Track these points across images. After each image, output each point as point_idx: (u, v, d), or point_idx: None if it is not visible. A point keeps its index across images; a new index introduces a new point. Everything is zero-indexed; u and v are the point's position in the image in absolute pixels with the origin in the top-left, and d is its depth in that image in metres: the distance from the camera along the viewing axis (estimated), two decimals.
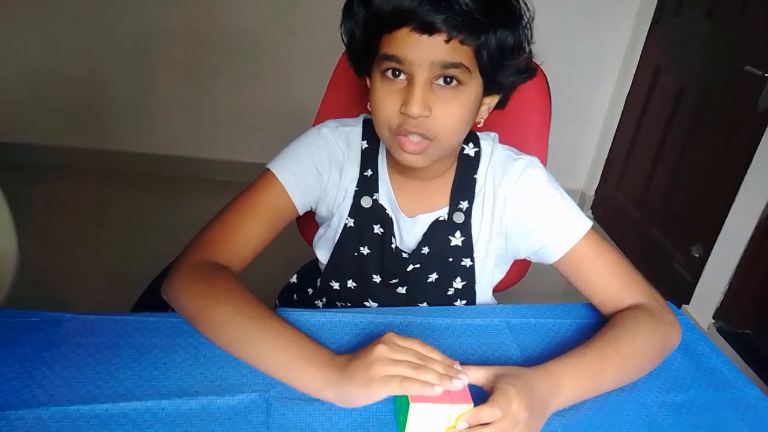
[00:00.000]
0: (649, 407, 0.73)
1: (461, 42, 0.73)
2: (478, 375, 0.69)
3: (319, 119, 1.15)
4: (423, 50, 0.72)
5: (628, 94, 2.64)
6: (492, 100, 0.84)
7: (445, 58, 0.73)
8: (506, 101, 0.86)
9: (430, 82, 0.75)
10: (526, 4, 0.77)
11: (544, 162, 0.98)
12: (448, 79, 0.75)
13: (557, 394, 0.69)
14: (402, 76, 0.76)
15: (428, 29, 0.71)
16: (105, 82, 2.65)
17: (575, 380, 0.71)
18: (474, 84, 0.77)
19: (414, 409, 0.62)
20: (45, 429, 0.61)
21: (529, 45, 0.79)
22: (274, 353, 0.70)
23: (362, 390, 0.64)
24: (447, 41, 0.72)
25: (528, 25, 0.78)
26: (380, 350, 0.65)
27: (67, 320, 0.76)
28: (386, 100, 0.77)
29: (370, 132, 0.92)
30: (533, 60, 0.82)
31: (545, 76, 1.10)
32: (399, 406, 0.66)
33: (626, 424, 0.70)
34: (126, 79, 2.66)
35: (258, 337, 0.71)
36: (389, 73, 0.76)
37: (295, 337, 0.71)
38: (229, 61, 2.62)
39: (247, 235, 0.85)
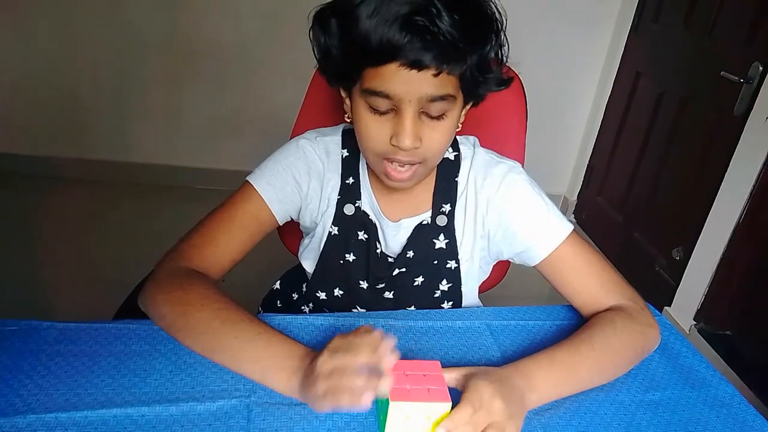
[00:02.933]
0: (627, 406, 0.74)
1: (448, 73, 0.73)
2: (451, 377, 0.69)
3: (298, 127, 1.16)
4: (412, 86, 0.72)
5: (609, 99, 2.67)
6: (468, 105, 0.85)
7: (434, 92, 0.73)
8: (481, 101, 0.86)
9: (419, 113, 0.75)
10: (498, 11, 0.76)
11: (522, 165, 0.99)
12: (436, 112, 0.75)
13: (531, 388, 0.70)
14: (388, 107, 0.75)
15: (417, 65, 0.70)
16: (87, 91, 2.64)
17: (548, 375, 0.72)
18: (458, 105, 0.78)
19: (393, 407, 0.62)
20: None
21: (504, 52, 0.79)
22: (247, 360, 0.71)
23: (316, 406, 0.65)
24: (436, 75, 0.72)
25: (502, 33, 0.78)
26: (320, 363, 0.64)
27: (46, 328, 0.75)
28: (375, 131, 0.77)
29: (349, 141, 0.92)
30: (507, 65, 0.82)
31: (520, 80, 1.12)
32: (379, 406, 0.66)
33: (604, 423, 0.71)
34: (107, 89, 2.65)
35: (232, 344, 0.72)
36: (376, 106, 0.75)
37: (267, 342, 0.71)
38: (211, 70, 2.63)
39: (224, 244, 0.86)
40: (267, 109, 2.66)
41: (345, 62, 0.76)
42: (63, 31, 2.51)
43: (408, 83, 0.71)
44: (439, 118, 0.76)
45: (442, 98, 0.74)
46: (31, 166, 2.71)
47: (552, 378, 0.72)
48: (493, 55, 0.77)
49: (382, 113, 0.76)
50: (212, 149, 2.80)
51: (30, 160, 2.72)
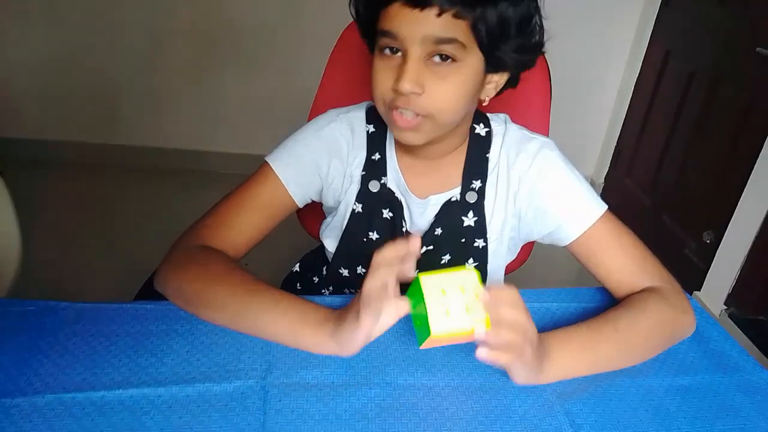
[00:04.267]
0: (654, 391, 0.72)
1: (455, 16, 0.70)
2: None
3: (315, 108, 1.14)
4: (415, 25, 0.71)
5: (638, 78, 2.60)
6: (500, 78, 0.81)
7: (438, 33, 0.71)
8: (517, 80, 0.83)
9: (425, 59, 0.73)
10: None
11: None
12: (443, 56, 0.73)
13: (549, 358, 0.69)
14: (399, 53, 0.74)
15: (419, 3, 0.69)
16: (113, 77, 2.66)
17: (566, 349, 0.71)
18: (472, 60, 0.75)
19: (425, 281, 0.62)
20: (41, 416, 0.61)
21: (539, 20, 0.76)
22: (275, 319, 0.73)
23: (354, 326, 0.66)
24: (438, 15, 0.70)
25: (534, 2, 0.75)
26: (363, 288, 0.65)
27: (64, 309, 0.75)
28: (381, 75, 0.76)
29: (375, 116, 0.90)
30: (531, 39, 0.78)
31: (545, 58, 1.08)
32: (414, 305, 0.65)
33: (630, 409, 0.69)
34: (134, 74, 2.65)
35: (258, 308, 0.74)
36: (386, 50, 0.75)
37: (292, 302, 0.74)
38: (237, 54, 2.62)
39: (241, 226, 0.85)
40: (295, 92, 2.58)
41: (365, 11, 0.78)
42: (94, 19, 2.52)
43: (410, 22, 0.71)
44: (447, 66, 0.73)
45: (449, 41, 0.72)
46: (61, 152, 2.74)
47: (569, 352, 0.71)
48: (517, 16, 0.73)
49: (391, 56, 0.75)
50: (240, 133, 2.80)
51: (63, 146, 2.75)
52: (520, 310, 0.64)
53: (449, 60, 0.73)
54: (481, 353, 0.62)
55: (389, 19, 0.73)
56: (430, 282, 0.63)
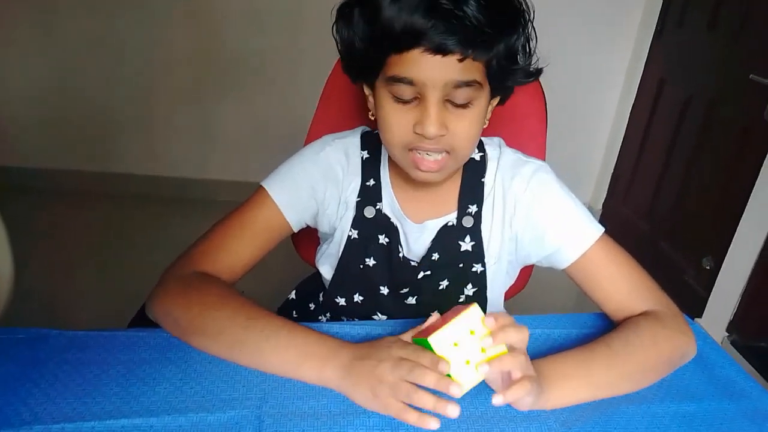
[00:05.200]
0: (660, 418, 0.70)
1: (473, 59, 0.71)
2: None
3: (312, 134, 1.14)
4: (436, 71, 0.70)
5: (633, 105, 2.62)
6: (495, 100, 0.83)
7: (459, 78, 0.71)
8: (507, 97, 0.84)
9: (443, 101, 0.73)
10: (525, 3, 0.75)
11: None
12: (462, 99, 0.73)
13: (547, 380, 0.68)
14: (412, 95, 0.73)
15: (442, 50, 0.69)
16: (108, 105, 2.67)
17: (561, 371, 0.70)
18: (485, 94, 0.76)
19: (435, 343, 0.62)
20: None
21: (533, 44, 0.77)
22: (277, 352, 0.71)
23: (364, 402, 0.66)
24: (461, 60, 0.70)
25: (530, 23, 0.76)
26: (384, 367, 0.64)
27: (55, 336, 0.74)
28: (398, 120, 0.75)
29: (369, 142, 0.90)
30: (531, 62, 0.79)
31: (540, 83, 1.08)
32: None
33: None
34: (129, 102, 2.67)
35: (258, 337, 0.71)
36: (400, 94, 0.73)
37: (295, 332, 0.72)
38: (233, 82, 2.63)
39: (236, 250, 0.84)
40: (291, 120, 2.64)
41: (369, 51, 0.74)
42: (90, 46, 2.54)
43: (432, 69, 0.70)
44: (465, 106, 0.74)
45: (468, 84, 0.72)
46: (55, 180, 2.74)
47: (563, 374, 0.70)
48: (519, 46, 0.75)
49: (405, 102, 0.74)
50: (236, 161, 2.80)
51: (54, 173, 2.75)
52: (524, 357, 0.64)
53: (468, 103, 0.74)
54: (497, 400, 0.61)
55: (406, 66, 0.71)
56: (440, 339, 0.62)
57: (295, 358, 0.70)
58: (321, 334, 0.72)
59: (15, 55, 2.55)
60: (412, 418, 0.61)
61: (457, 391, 0.60)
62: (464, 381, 0.61)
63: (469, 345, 0.62)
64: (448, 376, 0.61)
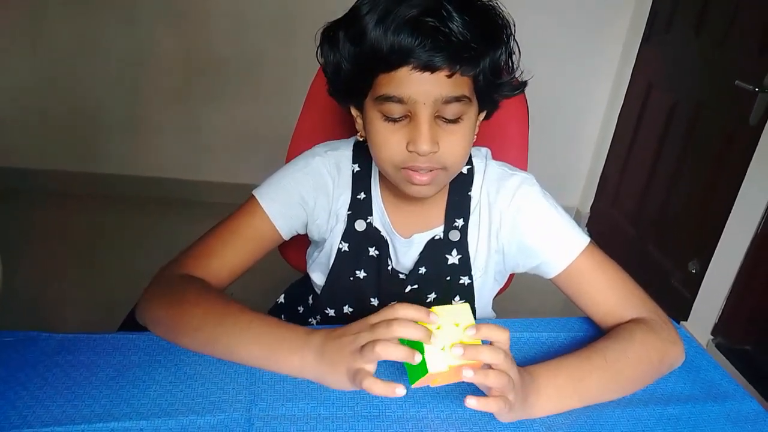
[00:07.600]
0: (645, 421, 0.71)
1: (461, 74, 0.71)
2: None
3: (295, 141, 1.14)
4: (426, 88, 0.70)
5: (621, 110, 2.64)
6: (482, 114, 0.83)
7: (449, 93, 0.71)
8: (493, 112, 0.85)
9: (434, 117, 0.74)
10: (506, 18, 0.75)
11: None
12: (452, 115, 0.74)
13: (537, 393, 0.68)
14: (402, 113, 0.74)
15: (430, 67, 0.69)
16: (95, 106, 2.65)
17: (554, 384, 0.70)
18: (473, 109, 0.77)
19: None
20: None
21: (516, 58, 0.78)
22: (249, 344, 0.72)
23: (341, 383, 0.68)
24: (449, 76, 0.71)
25: (513, 38, 0.77)
26: (361, 336, 0.66)
27: (44, 339, 0.74)
28: (389, 138, 0.75)
29: (361, 155, 0.91)
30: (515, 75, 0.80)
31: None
32: (404, 342, 0.63)
33: None
34: (117, 103, 2.66)
35: (231, 331, 0.73)
36: (390, 113, 0.74)
37: (267, 325, 0.73)
38: (221, 84, 2.63)
39: (224, 257, 0.85)
40: (278, 123, 2.63)
41: (356, 73, 0.74)
42: (77, 47, 2.53)
43: (421, 85, 0.70)
44: (455, 121, 0.74)
45: (458, 99, 0.72)
46: (42, 181, 2.72)
47: (556, 386, 0.70)
48: (504, 59, 0.76)
49: (396, 121, 0.74)
50: (223, 162, 2.80)
51: (41, 174, 2.73)
52: (504, 354, 0.63)
53: (458, 118, 0.75)
54: (471, 402, 0.60)
55: (395, 85, 0.71)
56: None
57: (270, 347, 0.71)
58: (294, 325, 0.73)
59: (2, 55, 2.53)
60: (397, 353, 0.61)
61: (418, 358, 0.60)
62: (435, 362, 0.60)
63: (451, 332, 0.62)
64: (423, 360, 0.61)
